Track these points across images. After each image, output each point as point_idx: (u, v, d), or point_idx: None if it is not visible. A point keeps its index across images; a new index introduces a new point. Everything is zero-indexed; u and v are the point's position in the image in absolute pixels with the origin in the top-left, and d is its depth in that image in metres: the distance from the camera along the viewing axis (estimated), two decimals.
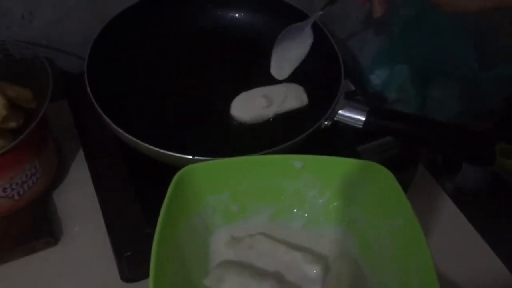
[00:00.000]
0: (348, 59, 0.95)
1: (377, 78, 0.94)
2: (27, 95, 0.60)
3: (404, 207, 0.42)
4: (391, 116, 0.57)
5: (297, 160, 0.47)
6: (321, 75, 0.66)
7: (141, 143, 0.53)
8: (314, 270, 0.44)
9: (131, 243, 0.55)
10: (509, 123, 0.88)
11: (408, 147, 0.63)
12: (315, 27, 0.68)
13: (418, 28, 0.89)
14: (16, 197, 0.61)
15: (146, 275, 0.58)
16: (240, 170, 0.47)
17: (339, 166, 0.47)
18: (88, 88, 0.58)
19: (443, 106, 0.93)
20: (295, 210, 0.49)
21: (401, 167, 0.63)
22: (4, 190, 0.59)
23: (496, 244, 0.66)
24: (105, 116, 0.56)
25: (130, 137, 0.54)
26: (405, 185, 0.66)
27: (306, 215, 0.49)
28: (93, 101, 0.57)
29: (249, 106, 0.61)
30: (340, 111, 0.55)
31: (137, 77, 0.69)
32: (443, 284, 0.60)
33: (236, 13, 0.75)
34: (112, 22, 0.65)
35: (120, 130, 0.55)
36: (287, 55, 0.68)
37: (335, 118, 0.57)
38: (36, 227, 0.62)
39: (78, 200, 0.66)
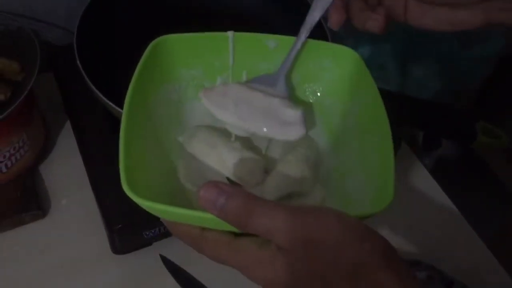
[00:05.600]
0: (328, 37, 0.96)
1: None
2: (14, 68, 0.59)
3: (370, 88, 0.43)
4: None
5: (271, 39, 0.47)
6: None
7: None
8: (293, 113, 0.43)
9: (122, 216, 0.56)
10: (487, 102, 0.91)
11: (391, 125, 0.64)
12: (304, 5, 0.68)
13: None
14: (4, 169, 0.61)
15: (136, 247, 0.60)
16: (214, 45, 0.47)
17: (311, 49, 0.47)
18: (78, 62, 0.58)
19: (422, 85, 0.95)
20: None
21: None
22: None
23: (470, 215, 0.69)
24: (96, 90, 0.56)
25: (120, 109, 0.54)
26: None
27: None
28: (83, 74, 0.57)
29: None
30: None
31: (126, 50, 0.68)
32: (420, 254, 0.63)
33: None
34: None
35: (111, 104, 0.55)
36: None
37: None
38: (24, 200, 0.62)
39: (65, 173, 0.66)
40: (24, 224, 0.62)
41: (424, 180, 0.73)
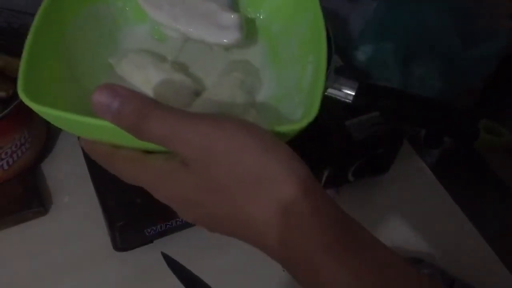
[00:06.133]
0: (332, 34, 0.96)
1: (362, 54, 0.95)
2: (16, 65, 0.59)
3: (313, 9, 0.41)
4: (380, 92, 0.58)
5: None
6: None
7: None
8: (230, 16, 0.41)
9: (124, 213, 0.56)
10: (489, 101, 0.91)
11: (394, 123, 0.64)
12: None
13: (402, 6, 0.91)
14: (6, 167, 0.61)
15: (138, 245, 0.60)
16: None
17: None
18: None
19: (425, 84, 0.95)
20: None
21: (387, 142, 0.65)
22: None
23: (472, 213, 0.69)
24: None
25: None
26: (391, 159, 0.68)
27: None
28: None
29: None
30: (330, 86, 0.56)
31: None
32: (421, 253, 0.63)
33: None
34: None
35: None
36: None
37: (325, 93, 0.58)
38: (26, 197, 0.62)
39: (67, 170, 0.67)
40: (26, 221, 0.62)
41: (425, 178, 0.73)
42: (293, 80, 0.41)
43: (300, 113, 0.36)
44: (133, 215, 0.56)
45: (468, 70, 0.93)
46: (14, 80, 0.59)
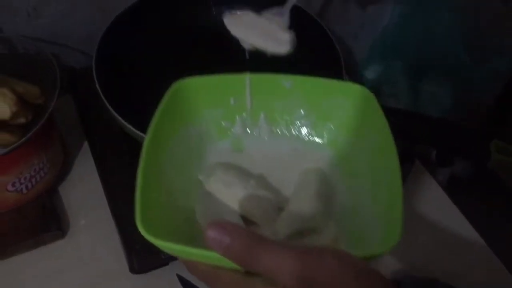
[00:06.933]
0: (342, 53, 0.97)
1: (371, 73, 0.96)
2: (35, 91, 0.61)
3: (382, 126, 0.44)
4: (391, 113, 0.58)
5: (287, 80, 0.49)
6: (321, 71, 0.68)
7: None
8: (285, 35, 0.54)
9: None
10: (500, 119, 0.91)
11: (406, 143, 0.65)
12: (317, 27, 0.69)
13: (411, 23, 0.91)
14: (25, 191, 0.62)
15: (154, 267, 0.61)
16: (232, 87, 0.50)
17: (325, 87, 0.49)
18: (96, 84, 0.59)
19: (435, 101, 0.95)
20: (283, 129, 0.52)
21: (399, 162, 0.65)
22: (13, 184, 0.60)
23: (486, 233, 0.69)
24: (114, 112, 0.57)
25: (141, 133, 0.56)
26: (402, 178, 0.68)
27: (292, 133, 0.52)
28: (102, 96, 0.59)
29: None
30: None
31: (144, 73, 0.70)
32: (435, 271, 0.63)
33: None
34: (118, 18, 0.66)
35: (129, 126, 0.57)
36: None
37: None
38: (44, 221, 0.63)
39: (84, 193, 0.68)
40: (44, 244, 0.63)
41: (437, 197, 0.73)
42: (367, 192, 0.44)
43: (379, 228, 0.40)
44: None
45: (478, 87, 0.94)
46: (33, 106, 0.61)
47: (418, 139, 0.60)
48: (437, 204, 0.72)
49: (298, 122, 0.51)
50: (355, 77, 0.97)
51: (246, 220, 0.45)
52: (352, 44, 0.97)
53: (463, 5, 0.85)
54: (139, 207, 0.38)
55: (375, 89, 0.96)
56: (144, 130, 0.55)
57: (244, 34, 0.55)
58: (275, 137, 0.51)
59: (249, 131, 0.51)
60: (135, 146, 0.61)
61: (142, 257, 0.58)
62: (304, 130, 0.51)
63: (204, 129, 0.50)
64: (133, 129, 0.57)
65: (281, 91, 0.50)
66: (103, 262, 0.62)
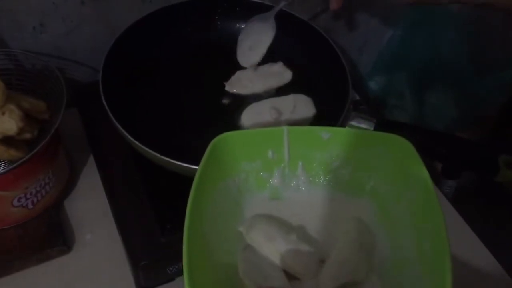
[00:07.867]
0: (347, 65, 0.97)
1: (376, 84, 0.96)
2: (41, 107, 0.61)
3: (423, 177, 0.44)
4: (397, 127, 0.59)
5: (325, 131, 0.50)
6: (328, 85, 0.68)
7: (159, 155, 0.55)
8: (276, 66, 0.72)
9: (147, 252, 0.57)
10: (506, 131, 0.91)
11: None
12: (320, 37, 0.70)
13: (415, 35, 0.92)
14: (30, 206, 0.62)
15: (160, 282, 0.60)
16: (270, 139, 0.50)
17: (363, 138, 0.50)
18: (103, 99, 0.59)
19: (440, 113, 0.95)
20: (321, 179, 0.52)
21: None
22: (19, 199, 0.60)
23: (491, 244, 0.69)
24: (121, 129, 0.57)
25: (148, 149, 0.56)
26: None
27: (331, 183, 0.52)
28: (108, 111, 0.59)
29: (259, 117, 0.63)
30: (350, 122, 0.58)
31: (150, 87, 0.70)
32: None
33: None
34: (125, 33, 0.67)
35: (135, 141, 0.57)
36: (253, 44, 0.72)
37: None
38: (50, 235, 0.63)
39: (89, 208, 0.67)
40: (50, 259, 0.62)
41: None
42: (411, 245, 0.44)
43: (425, 284, 0.40)
44: (156, 253, 0.57)
45: (482, 98, 0.94)
46: (39, 122, 0.61)
47: (424, 154, 0.60)
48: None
49: (336, 172, 0.52)
50: (361, 88, 0.97)
51: (288, 274, 0.45)
52: (356, 57, 0.98)
53: (467, 18, 0.85)
54: (186, 272, 0.38)
55: (380, 100, 0.96)
56: (149, 145, 0.56)
57: (249, 89, 0.68)
58: (314, 187, 0.52)
59: (288, 182, 0.52)
60: (141, 160, 0.61)
61: (149, 272, 0.58)
62: (342, 180, 0.51)
63: (243, 182, 0.50)
64: (140, 144, 0.57)
65: (319, 142, 0.50)
66: (109, 277, 0.62)
